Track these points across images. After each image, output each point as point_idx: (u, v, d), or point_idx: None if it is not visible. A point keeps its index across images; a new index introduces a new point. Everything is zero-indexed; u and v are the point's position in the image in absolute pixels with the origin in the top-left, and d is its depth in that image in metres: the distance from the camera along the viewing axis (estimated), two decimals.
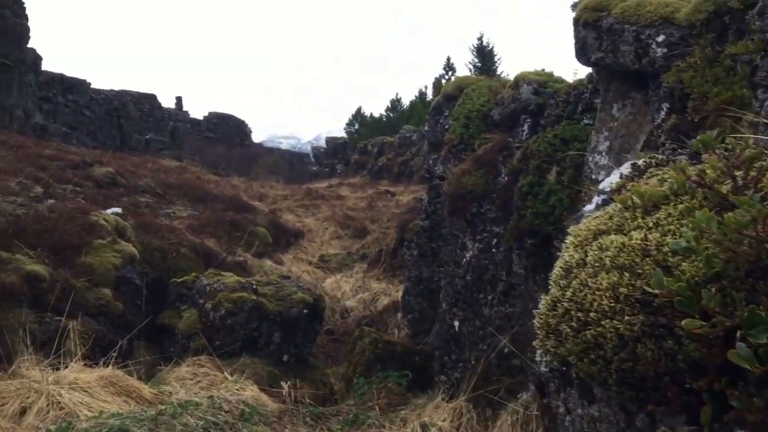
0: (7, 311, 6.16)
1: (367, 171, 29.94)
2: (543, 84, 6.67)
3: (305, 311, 7.76)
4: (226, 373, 6.63)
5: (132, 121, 37.98)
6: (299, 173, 36.24)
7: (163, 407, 5.30)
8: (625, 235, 1.46)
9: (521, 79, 6.85)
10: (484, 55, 34.41)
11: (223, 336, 7.34)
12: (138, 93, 39.85)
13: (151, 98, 40.44)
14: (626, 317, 1.31)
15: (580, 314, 1.39)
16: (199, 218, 12.46)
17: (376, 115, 45.26)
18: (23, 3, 31.38)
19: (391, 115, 43.18)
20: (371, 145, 33.14)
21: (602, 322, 1.33)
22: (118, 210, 9.53)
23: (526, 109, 6.67)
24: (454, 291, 7.13)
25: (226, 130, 44.59)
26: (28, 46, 31.48)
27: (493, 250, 6.61)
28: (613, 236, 1.48)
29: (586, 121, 5.75)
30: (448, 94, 9.07)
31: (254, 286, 7.81)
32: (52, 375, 5.49)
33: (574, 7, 4.77)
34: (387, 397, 6.66)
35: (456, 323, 6.97)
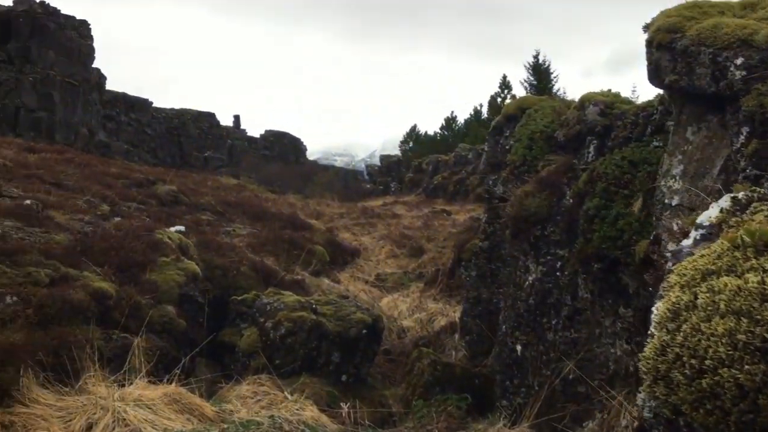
0: (74, 327, 6.27)
1: (422, 189, 29.91)
2: (610, 105, 6.54)
3: (364, 331, 7.74)
4: (286, 393, 6.64)
5: (191, 139, 38.89)
6: (353, 191, 36.51)
7: (225, 426, 5.34)
8: (739, 277, 1.39)
9: (587, 100, 6.74)
10: (540, 73, 34.15)
11: (282, 355, 7.36)
12: (197, 111, 40.84)
13: (210, 117, 41.39)
14: (746, 366, 1.24)
15: (693, 361, 1.32)
16: (258, 236, 12.60)
17: (431, 132, 45.38)
18: (89, 25, 32.56)
19: (446, 133, 43.23)
20: (426, 164, 33.14)
21: (719, 371, 1.26)
22: (182, 228, 9.68)
23: (592, 131, 6.55)
24: (516, 314, 7.01)
25: (281, 148, 45.36)
26: (93, 66, 32.60)
27: (558, 273, 6.49)
28: (725, 278, 1.40)
29: (656, 143, 5.59)
30: (508, 115, 9.00)
31: (314, 306, 7.83)
32: (117, 391, 5.55)
33: (646, 28, 4.66)
34: (446, 420, 6.60)
35: (518, 347, 6.85)
